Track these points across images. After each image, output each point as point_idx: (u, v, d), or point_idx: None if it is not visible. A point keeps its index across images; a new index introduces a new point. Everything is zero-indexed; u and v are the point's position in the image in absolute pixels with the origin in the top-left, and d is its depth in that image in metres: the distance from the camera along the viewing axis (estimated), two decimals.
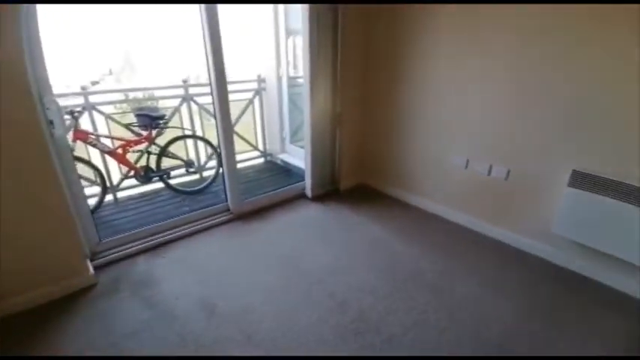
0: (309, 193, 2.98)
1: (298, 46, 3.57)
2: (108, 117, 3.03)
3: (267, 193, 2.90)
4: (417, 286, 1.95)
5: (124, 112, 3.04)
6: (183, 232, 2.42)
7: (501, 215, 2.34)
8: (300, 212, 2.81)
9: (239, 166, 4.03)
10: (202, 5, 2.09)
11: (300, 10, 2.50)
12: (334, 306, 1.81)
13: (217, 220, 2.57)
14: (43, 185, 1.68)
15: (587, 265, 1.99)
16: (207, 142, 3.45)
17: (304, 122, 2.83)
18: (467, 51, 2.25)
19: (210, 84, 2.34)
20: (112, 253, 2.18)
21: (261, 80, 3.96)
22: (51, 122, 1.74)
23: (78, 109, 2.68)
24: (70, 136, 2.66)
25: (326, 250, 2.29)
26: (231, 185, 2.59)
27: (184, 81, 3.41)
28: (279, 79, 3.78)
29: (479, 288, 1.93)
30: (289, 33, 3.55)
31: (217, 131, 2.50)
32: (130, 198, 3.25)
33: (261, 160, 4.26)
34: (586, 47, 1.76)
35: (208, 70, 2.29)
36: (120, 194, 3.21)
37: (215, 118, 2.45)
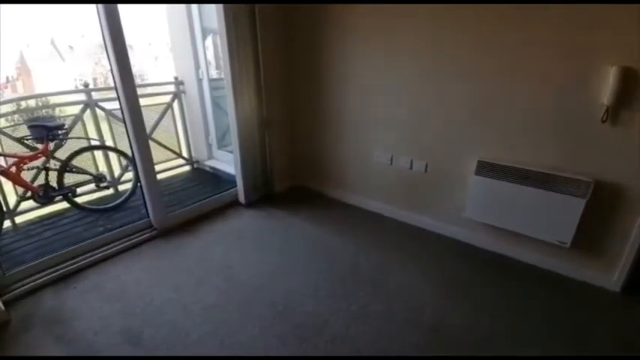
0: (242, 199, 2.87)
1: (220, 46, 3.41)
2: None
3: (196, 203, 2.71)
4: (356, 281, 2.01)
5: (15, 125, 2.55)
6: (97, 256, 2.13)
7: (425, 205, 2.54)
8: (233, 221, 2.69)
9: (163, 176, 3.74)
10: (98, 5, 1.85)
11: (214, 10, 2.37)
12: (275, 315, 1.76)
13: (138, 239, 2.31)
14: None
15: (497, 242, 2.26)
16: (120, 152, 3.09)
17: (231, 127, 2.71)
18: (384, 50, 2.38)
19: (115, 87, 2.09)
20: (19, 287, 1.83)
21: (179, 83, 3.68)
22: None
23: None
24: None
25: (263, 258, 2.23)
26: (151, 198, 2.35)
27: (85, 85, 3.00)
28: (200, 81, 3.56)
29: (410, 276, 2.06)
30: (207, 32, 3.37)
31: (129, 139, 2.25)
32: (31, 223, 2.76)
33: (188, 168, 3.98)
34: (488, 49, 1.99)
35: (112, 72, 2.04)
36: (19, 219, 2.71)
37: (125, 124, 2.20)
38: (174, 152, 3.80)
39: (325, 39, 2.63)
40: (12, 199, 2.64)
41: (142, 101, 3.41)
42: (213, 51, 3.50)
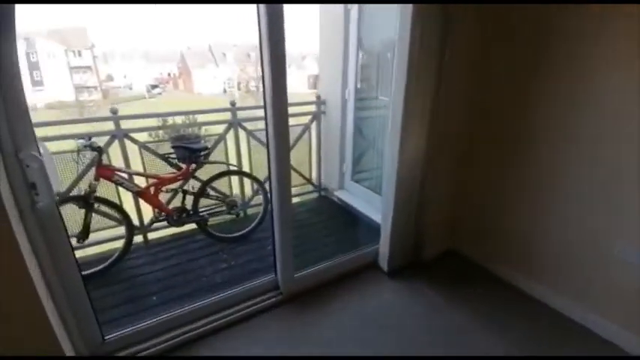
0: (384, 264, 2.20)
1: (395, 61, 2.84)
2: (143, 146, 2.50)
3: (327, 263, 2.14)
4: None
5: (159, 141, 2.51)
6: (215, 324, 1.74)
7: None
8: (371, 297, 2.02)
9: None
10: (262, 5, 1.42)
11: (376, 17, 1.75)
12: None
13: (262, 305, 1.87)
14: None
15: None
16: (254, 179, 2.83)
17: (386, 163, 2.07)
18: None
19: (264, 104, 1.65)
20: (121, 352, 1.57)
21: (320, 102, 3.28)
22: (33, 186, 1.15)
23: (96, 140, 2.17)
24: (92, 173, 2.15)
25: None
26: (283, 254, 1.88)
27: (232, 104, 2.82)
28: (345, 102, 3.06)
29: None
30: (362, 45, 2.83)
31: (269, 167, 1.80)
32: (160, 242, 2.70)
33: (314, 195, 3.57)
34: None
35: (264, 87, 1.61)
36: (151, 234, 2.69)
37: (268, 151, 1.76)
38: (304, 178, 3.42)
39: (549, 58, 1.73)
40: (147, 214, 2.60)
41: None
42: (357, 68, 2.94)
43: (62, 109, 20.90)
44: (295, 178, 3.36)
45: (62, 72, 30.13)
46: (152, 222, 2.53)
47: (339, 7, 2.81)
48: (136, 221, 2.49)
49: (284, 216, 1.81)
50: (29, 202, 1.16)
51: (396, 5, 2.38)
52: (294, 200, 3.39)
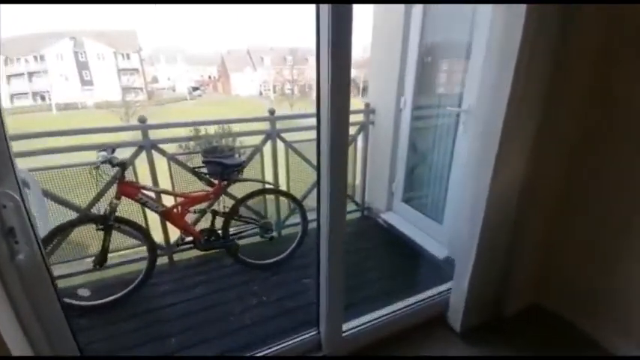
0: (455, 321, 1.72)
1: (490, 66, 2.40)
2: (171, 158, 2.23)
3: (380, 315, 1.70)
4: None
5: (190, 153, 2.23)
6: None
7: None
8: None
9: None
10: (325, 5, 1.05)
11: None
12: None
13: None
14: None
15: None
16: (293, 198, 2.47)
17: (467, 198, 1.62)
18: None
19: (317, 111, 1.26)
20: None
21: (369, 111, 2.87)
22: (11, 232, 0.85)
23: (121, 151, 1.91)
24: (113, 190, 1.89)
25: None
26: (330, 305, 1.48)
27: (271, 112, 2.49)
28: (399, 111, 2.63)
29: None
30: (430, 49, 2.38)
31: (318, 187, 1.39)
32: (185, 264, 2.42)
33: (356, 214, 3.16)
34: None
35: (319, 93, 1.23)
36: (176, 254, 2.42)
37: (318, 167, 1.36)
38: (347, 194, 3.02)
39: None
40: (174, 232, 2.32)
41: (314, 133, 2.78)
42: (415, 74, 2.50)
43: (109, 109, 22.25)
44: None
45: (111, 73, 32.22)
46: (177, 244, 2.24)
47: (399, 6, 2.39)
48: (159, 237, 2.24)
49: (334, 255, 1.41)
50: (7, 253, 0.86)
51: (476, 5, 1.97)
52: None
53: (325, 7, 1.05)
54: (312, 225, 2.44)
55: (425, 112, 2.52)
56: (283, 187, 2.68)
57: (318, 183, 1.38)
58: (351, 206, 3.11)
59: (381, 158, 2.90)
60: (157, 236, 2.24)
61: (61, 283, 2.06)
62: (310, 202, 2.84)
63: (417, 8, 2.33)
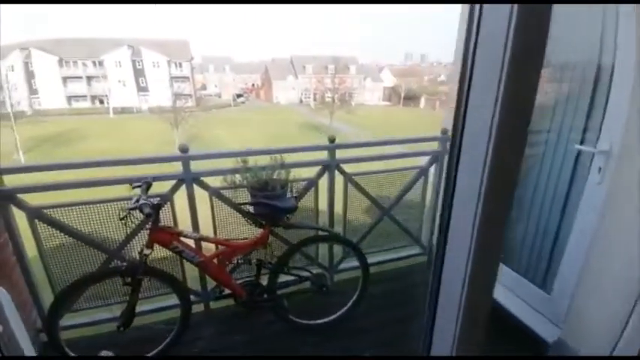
0: None
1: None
2: (215, 193, 1.89)
3: None
4: None
5: (236, 187, 1.87)
6: None
7: None
8: None
9: (385, 268, 2.53)
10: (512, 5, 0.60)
11: None
12: None
13: None
14: None
15: None
16: (353, 247, 2.03)
17: (622, 263, 1.09)
18: None
19: (457, 134, 0.80)
20: None
21: (446, 139, 2.36)
22: None
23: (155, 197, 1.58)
24: (145, 237, 1.56)
25: None
26: None
27: (331, 140, 2.07)
28: None
29: None
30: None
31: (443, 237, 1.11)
32: (222, 315, 2.05)
33: (421, 258, 2.65)
34: None
35: (460, 110, 1.00)
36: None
37: (448, 210, 1.10)
38: (409, 234, 2.52)
39: None
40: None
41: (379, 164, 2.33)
42: None
43: (160, 114, 23.49)
44: (394, 234, 2.49)
45: (164, 80, 34.32)
46: (215, 296, 1.88)
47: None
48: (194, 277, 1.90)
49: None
50: None
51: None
52: (390, 266, 2.52)
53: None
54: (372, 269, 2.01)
55: (533, 150, 1.96)
56: (338, 225, 2.26)
57: (444, 232, 0.91)
58: (411, 249, 2.60)
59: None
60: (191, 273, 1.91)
61: (81, 340, 1.79)
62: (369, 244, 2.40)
63: None
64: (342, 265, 2.35)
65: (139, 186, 1.55)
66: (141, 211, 1.38)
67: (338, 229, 2.28)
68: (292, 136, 26.16)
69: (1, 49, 29.24)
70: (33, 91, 33.05)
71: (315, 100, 39.76)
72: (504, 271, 2.11)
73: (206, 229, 1.92)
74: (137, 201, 1.44)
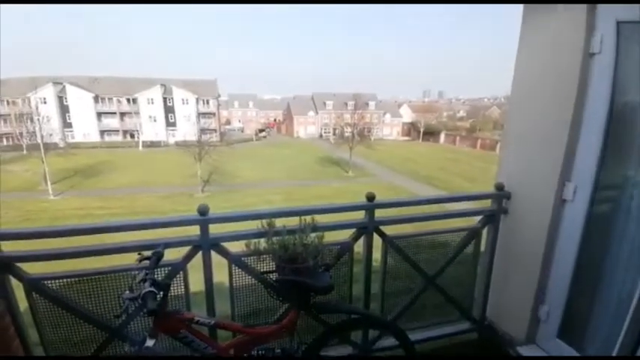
0: None
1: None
2: (236, 261, 1.61)
3: None
4: None
5: (260, 254, 1.59)
6: None
7: None
8: None
9: (428, 347, 2.09)
10: None
11: None
12: None
13: None
14: None
15: None
16: (387, 327, 1.67)
17: None
18: None
19: None
20: None
21: (502, 195, 2.02)
22: None
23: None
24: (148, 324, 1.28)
25: None
26: None
27: (370, 198, 1.78)
28: (562, 202, 1.74)
29: None
30: (620, 104, 1.54)
31: None
32: None
33: (471, 335, 2.21)
34: None
35: None
36: None
37: None
38: (455, 305, 2.12)
39: None
40: None
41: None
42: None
43: (186, 148, 24.22)
44: (440, 306, 2.09)
45: (191, 116, 35.93)
46: None
47: (576, 37, 1.60)
48: None
49: None
50: None
51: None
52: (429, 342, 2.11)
53: None
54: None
55: (616, 214, 1.60)
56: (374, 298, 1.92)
57: None
58: (461, 325, 2.18)
59: (518, 263, 1.99)
60: None
61: None
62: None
63: (610, 37, 1.52)
64: (380, 344, 1.97)
65: (148, 258, 1.30)
66: (144, 304, 1.10)
67: (374, 302, 1.93)
68: (312, 169, 26.20)
69: (29, 81, 30.91)
70: (67, 125, 35.18)
71: (334, 134, 40.26)
72: (573, 356, 1.66)
73: (221, 303, 1.62)
74: (141, 283, 1.18)
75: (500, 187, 2.02)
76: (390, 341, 1.89)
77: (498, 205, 2.03)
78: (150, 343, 1.22)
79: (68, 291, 1.47)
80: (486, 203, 2.08)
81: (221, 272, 1.67)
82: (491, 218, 2.05)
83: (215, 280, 1.64)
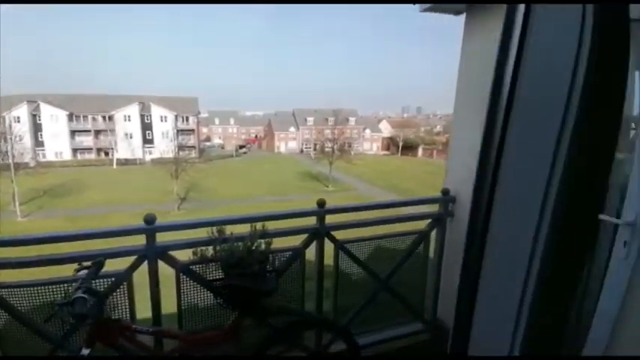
0: None
1: None
2: (184, 269, 1.63)
3: None
4: None
5: (209, 261, 1.61)
6: None
7: None
8: None
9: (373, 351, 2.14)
10: None
11: None
12: None
13: None
14: None
15: None
16: (338, 330, 1.72)
17: None
18: None
19: None
20: None
21: (448, 200, 2.15)
22: None
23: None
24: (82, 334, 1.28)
25: None
26: None
27: (320, 204, 1.86)
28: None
29: None
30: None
31: None
32: None
33: (422, 336, 2.28)
34: None
35: None
36: None
37: None
38: (408, 306, 2.20)
39: None
40: None
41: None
42: None
43: (162, 166, 23.73)
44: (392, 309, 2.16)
45: (169, 133, 35.37)
46: None
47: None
48: None
49: None
50: None
51: None
52: (383, 343, 2.16)
53: None
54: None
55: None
56: (327, 300, 1.96)
57: None
58: (415, 326, 2.25)
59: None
60: None
61: None
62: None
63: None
64: (334, 348, 2.00)
65: (87, 267, 1.31)
66: (72, 309, 1.11)
67: (326, 304, 1.98)
68: (292, 184, 26.17)
69: (4, 100, 29.70)
70: (39, 143, 33.84)
71: (315, 149, 40.58)
72: None
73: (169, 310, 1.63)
74: (77, 288, 1.19)
75: (445, 192, 2.15)
76: (342, 345, 1.92)
77: (445, 208, 2.15)
78: (85, 352, 1.22)
79: (14, 299, 1.44)
80: (436, 207, 2.20)
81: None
82: (439, 222, 2.17)
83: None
